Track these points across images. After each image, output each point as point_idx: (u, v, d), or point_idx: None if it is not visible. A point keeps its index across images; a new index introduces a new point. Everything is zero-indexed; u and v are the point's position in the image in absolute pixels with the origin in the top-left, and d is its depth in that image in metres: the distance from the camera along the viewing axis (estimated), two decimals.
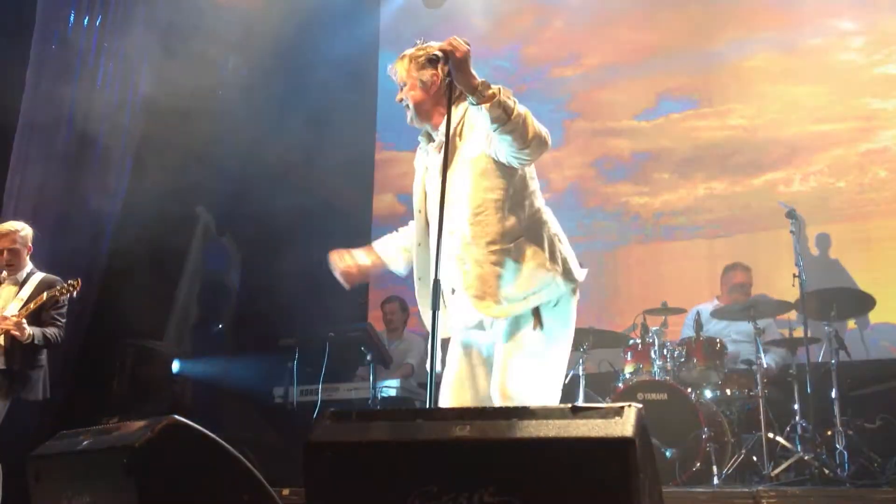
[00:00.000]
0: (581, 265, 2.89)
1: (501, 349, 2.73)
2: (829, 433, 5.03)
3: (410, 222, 3.03)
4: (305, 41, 7.18)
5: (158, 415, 2.43)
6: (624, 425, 1.69)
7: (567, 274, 2.79)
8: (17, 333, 4.42)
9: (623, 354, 5.68)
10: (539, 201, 2.83)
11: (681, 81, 7.10)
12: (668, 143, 7.06)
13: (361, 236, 7.84)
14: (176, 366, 6.93)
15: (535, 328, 2.70)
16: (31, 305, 4.52)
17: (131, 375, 6.47)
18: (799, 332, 5.38)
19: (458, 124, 2.81)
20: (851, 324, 6.09)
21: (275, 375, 6.38)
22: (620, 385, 5.40)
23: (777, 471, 4.81)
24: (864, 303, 5.53)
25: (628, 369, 5.55)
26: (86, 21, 6.50)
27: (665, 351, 5.42)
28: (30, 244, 4.80)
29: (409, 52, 2.87)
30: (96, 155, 6.40)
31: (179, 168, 6.24)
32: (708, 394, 5.36)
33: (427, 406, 2.44)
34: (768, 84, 6.80)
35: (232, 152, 6.88)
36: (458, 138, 2.80)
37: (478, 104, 2.57)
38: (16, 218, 5.14)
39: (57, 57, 6.33)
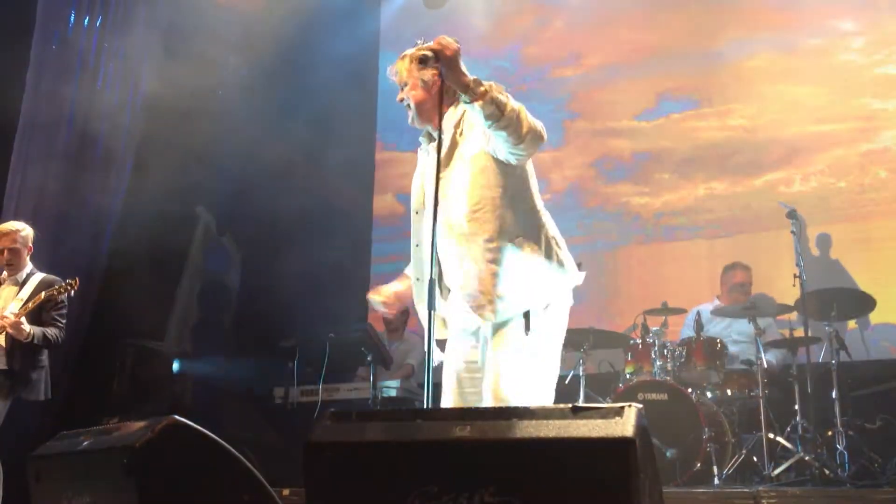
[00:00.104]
0: (581, 265, 2.89)
1: (493, 350, 2.73)
2: (830, 433, 5.03)
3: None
4: (306, 42, 7.18)
5: (159, 415, 2.43)
6: (624, 425, 1.69)
7: (564, 276, 2.79)
8: (14, 332, 4.42)
9: (623, 355, 5.68)
10: (538, 203, 2.83)
11: (681, 81, 7.10)
12: (669, 143, 7.05)
13: (362, 237, 7.90)
14: (176, 366, 6.93)
15: (526, 331, 2.70)
16: (30, 305, 4.53)
17: (131, 375, 6.47)
18: (799, 333, 5.38)
19: (459, 122, 2.81)
20: (852, 324, 6.09)
21: (275, 376, 6.38)
22: (621, 385, 5.40)
23: (777, 471, 4.82)
24: (864, 303, 5.53)
25: (629, 369, 5.55)
26: (86, 21, 6.49)
27: (665, 351, 5.42)
28: (30, 244, 4.80)
29: (409, 51, 2.87)
30: (97, 155, 6.40)
31: (180, 168, 6.24)
32: (708, 394, 5.36)
33: (425, 406, 2.44)
34: (769, 84, 6.80)
35: (232, 152, 6.88)
36: (458, 136, 2.80)
37: (470, 102, 2.57)
38: (16, 218, 5.14)
39: (57, 57, 6.32)
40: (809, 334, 5.22)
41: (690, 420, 5.01)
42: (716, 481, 4.87)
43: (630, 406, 1.74)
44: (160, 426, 2.23)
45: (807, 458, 4.84)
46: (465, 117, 2.79)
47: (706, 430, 4.96)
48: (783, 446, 5.04)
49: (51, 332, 4.57)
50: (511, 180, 2.75)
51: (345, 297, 7.43)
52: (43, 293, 4.55)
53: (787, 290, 5.44)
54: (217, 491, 2.27)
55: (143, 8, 6.69)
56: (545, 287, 2.75)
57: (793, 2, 6.81)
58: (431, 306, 2.54)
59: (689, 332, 5.58)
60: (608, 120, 7.35)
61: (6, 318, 4.42)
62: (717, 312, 5.75)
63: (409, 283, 3.03)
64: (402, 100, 2.89)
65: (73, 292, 4.66)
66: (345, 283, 7.50)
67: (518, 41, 7.79)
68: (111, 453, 2.27)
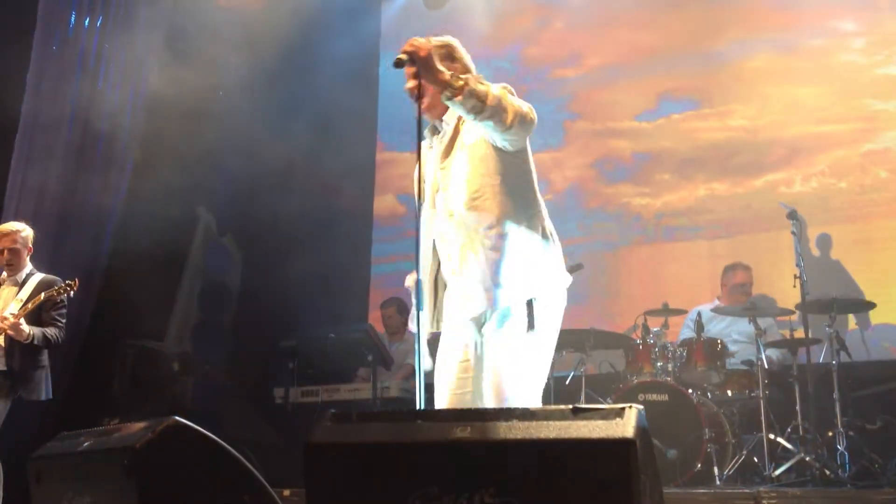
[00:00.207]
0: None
1: (493, 347, 2.73)
2: (830, 434, 5.03)
3: None
4: (307, 43, 7.18)
5: (159, 415, 2.43)
6: (625, 426, 1.69)
7: (556, 277, 2.80)
8: (14, 334, 4.42)
9: (624, 355, 5.67)
10: (538, 197, 2.85)
11: (682, 82, 7.10)
12: (669, 143, 7.05)
13: (362, 237, 7.90)
14: (176, 366, 6.93)
15: (528, 329, 2.70)
16: (30, 306, 4.53)
17: (132, 376, 6.46)
18: (800, 333, 5.38)
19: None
20: (852, 325, 6.09)
21: (275, 376, 6.37)
22: (621, 386, 5.39)
23: (778, 472, 4.82)
24: (864, 307, 5.54)
25: (629, 370, 5.55)
26: (87, 22, 6.50)
27: (666, 352, 5.42)
28: (30, 245, 4.81)
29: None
30: (97, 155, 6.41)
31: (180, 169, 6.24)
32: (709, 395, 5.36)
33: (417, 406, 2.45)
34: (769, 85, 6.80)
35: (232, 152, 6.88)
36: (460, 125, 2.82)
37: (451, 98, 2.57)
38: (16, 218, 5.15)
39: (58, 58, 6.33)
40: (810, 335, 5.21)
41: (691, 421, 5.01)
42: (716, 482, 4.87)
43: (631, 407, 1.74)
44: (161, 427, 2.24)
45: (807, 458, 4.84)
46: None
47: (707, 430, 4.96)
48: (784, 447, 5.04)
49: (50, 332, 4.57)
50: (510, 168, 2.76)
51: (345, 297, 7.44)
52: (43, 294, 4.55)
53: (787, 291, 5.44)
54: (217, 492, 2.27)
55: (144, 8, 6.69)
56: (543, 275, 2.75)
57: (793, 2, 6.80)
58: (420, 306, 2.56)
59: (689, 333, 5.58)
60: (609, 120, 7.35)
61: (6, 319, 4.42)
62: (717, 312, 5.75)
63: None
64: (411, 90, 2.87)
65: (72, 293, 4.66)
66: (345, 284, 7.52)
67: (519, 42, 7.79)
68: (111, 454, 2.27)
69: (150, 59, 6.63)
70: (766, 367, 5.19)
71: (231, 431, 5.16)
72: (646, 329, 5.52)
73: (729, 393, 5.44)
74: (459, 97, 2.54)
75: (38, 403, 4.72)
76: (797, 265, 5.25)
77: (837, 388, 5.02)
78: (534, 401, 2.69)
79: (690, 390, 5.19)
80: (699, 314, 5.58)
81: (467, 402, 2.77)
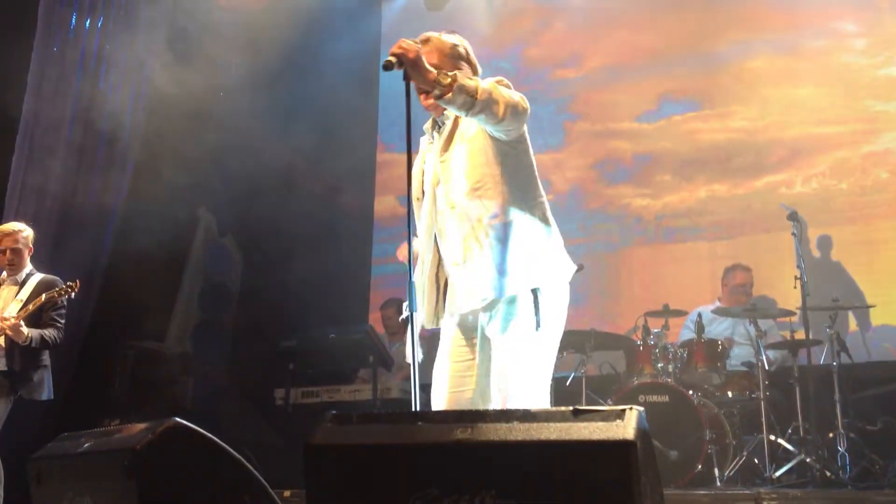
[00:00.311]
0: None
1: (500, 352, 2.71)
2: (831, 435, 5.03)
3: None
4: (307, 44, 7.18)
5: (159, 416, 2.43)
6: (625, 428, 1.69)
7: (560, 265, 2.79)
8: (13, 335, 4.42)
9: (624, 356, 5.67)
10: (538, 185, 2.84)
11: (682, 83, 7.09)
12: (670, 144, 7.05)
13: (363, 238, 7.90)
14: (177, 367, 6.93)
15: (536, 328, 2.69)
16: (30, 307, 4.53)
17: (132, 377, 6.47)
18: (800, 334, 5.38)
19: None
20: (853, 326, 6.09)
21: (276, 377, 6.37)
22: (622, 387, 5.39)
23: (779, 473, 4.82)
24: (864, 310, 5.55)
25: (630, 371, 5.55)
26: (87, 23, 6.50)
27: (667, 353, 5.42)
28: (31, 245, 4.81)
29: (433, 35, 2.91)
30: (98, 156, 6.41)
31: (181, 170, 6.25)
32: (709, 396, 5.36)
33: (413, 407, 2.44)
34: (770, 86, 6.80)
35: (233, 153, 6.88)
36: (460, 118, 2.82)
37: (441, 97, 2.57)
38: (17, 219, 5.16)
39: (59, 58, 6.33)
40: (810, 336, 5.21)
41: (691, 422, 5.01)
42: (717, 483, 4.87)
43: (631, 408, 1.73)
44: (161, 428, 2.24)
45: (808, 459, 4.84)
46: None
47: (707, 431, 4.95)
48: (784, 448, 5.04)
49: (49, 333, 4.57)
50: (510, 157, 2.76)
51: (346, 298, 7.44)
52: (43, 295, 4.55)
53: (788, 292, 5.44)
54: (218, 493, 2.27)
55: (145, 9, 6.70)
56: (548, 262, 2.75)
57: (794, 3, 6.80)
58: (413, 308, 2.56)
59: (689, 334, 5.58)
60: (609, 121, 7.35)
61: (6, 320, 4.43)
62: (717, 313, 5.75)
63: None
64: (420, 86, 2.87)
65: (73, 294, 4.66)
66: (346, 285, 7.51)
67: (519, 43, 7.79)
68: (112, 455, 2.27)
69: (151, 59, 6.63)
70: (767, 368, 5.19)
71: (231, 432, 5.16)
72: (646, 330, 5.52)
73: (729, 394, 5.44)
74: (449, 94, 2.55)
75: (39, 404, 4.72)
76: (798, 266, 5.25)
77: (838, 390, 5.02)
78: (542, 403, 2.68)
79: (691, 391, 5.19)
80: (700, 315, 5.58)
81: (466, 401, 2.76)
